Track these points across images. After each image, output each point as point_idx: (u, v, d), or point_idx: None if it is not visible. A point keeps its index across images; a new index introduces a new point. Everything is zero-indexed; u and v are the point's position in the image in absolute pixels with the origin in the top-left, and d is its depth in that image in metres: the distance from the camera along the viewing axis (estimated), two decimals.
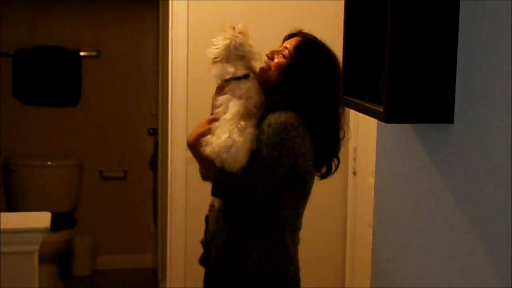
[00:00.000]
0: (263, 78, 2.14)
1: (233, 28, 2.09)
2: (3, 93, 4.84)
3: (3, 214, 2.56)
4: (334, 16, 3.30)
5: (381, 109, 1.33)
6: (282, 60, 2.14)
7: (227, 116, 2.04)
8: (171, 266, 3.54)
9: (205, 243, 2.27)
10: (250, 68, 2.13)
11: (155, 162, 4.80)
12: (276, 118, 2.06)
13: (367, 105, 1.46)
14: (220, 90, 2.13)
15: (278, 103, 2.11)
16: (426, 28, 1.27)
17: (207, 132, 2.06)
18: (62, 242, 4.55)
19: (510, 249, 1.05)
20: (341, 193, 3.54)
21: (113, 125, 5.06)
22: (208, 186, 2.14)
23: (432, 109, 1.28)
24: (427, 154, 1.41)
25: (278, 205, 2.11)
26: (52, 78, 4.91)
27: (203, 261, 2.28)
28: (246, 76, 2.10)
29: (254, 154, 2.03)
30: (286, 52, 2.15)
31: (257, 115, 2.08)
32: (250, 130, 2.03)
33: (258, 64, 2.16)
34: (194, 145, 2.08)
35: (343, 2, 1.62)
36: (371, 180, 2.99)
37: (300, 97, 2.12)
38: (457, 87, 1.27)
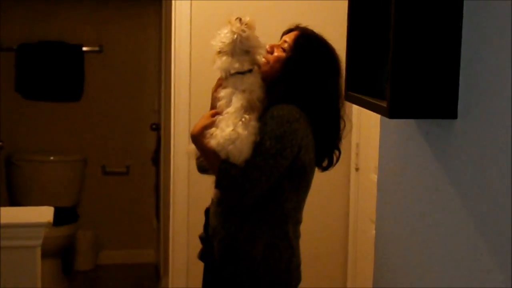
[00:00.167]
0: (263, 72, 2.15)
1: (240, 20, 2.09)
2: (5, 88, 4.84)
3: (6, 208, 2.57)
4: (337, 11, 3.30)
5: (384, 105, 1.33)
6: (282, 53, 2.17)
7: (231, 109, 2.05)
8: (173, 261, 3.55)
9: (204, 238, 2.28)
10: (255, 62, 2.13)
11: (158, 157, 4.80)
12: (278, 111, 2.08)
13: (371, 100, 1.46)
14: (221, 82, 2.13)
15: (278, 96, 2.13)
16: (430, 23, 1.26)
17: (211, 125, 2.08)
18: (64, 237, 4.56)
19: None
20: (343, 189, 3.54)
21: (115, 120, 5.06)
22: (210, 181, 2.15)
23: (435, 105, 1.28)
24: (430, 149, 1.41)
25: (280, 197, 2.13)
26: (54, 73, 4.91)
27: (203, 256, 2.29)
28: (250, 70, 2.10)
29: (258, 146, 2.05)
30: (285, 45, 2.17)
31: (259, 109, 2.09)
32: (254, 123, 2.05)
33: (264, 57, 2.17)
34: (198, 138, 2.09)
35: None
36: (374, 176, 2.99)
37: (300, 89, 2.14)
38: (460, 83, 1.27)
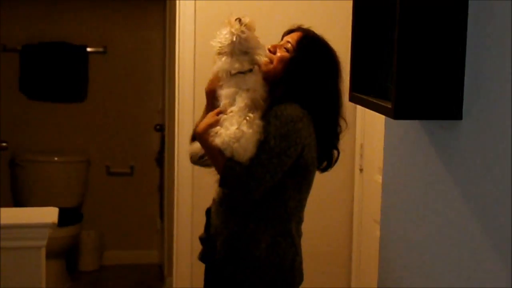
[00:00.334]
0: (266, 72, 2.16)
1: (240, 21, 2.09)
2: (10, 89, 4.85)
3: (10, 209, 2.58)
4: (337, 12, 3.29)
5: (389, 105, 1.33)
6: (285, 54, 2.18)
7: (235, 108, 2.06)
8: (177, 261, 3.55)
9: (204, 239, 2.28)
10: (255, 62, 2.13)
11: (162, 158, 4.80)
12: (282, 110, 2.09)
13: (375, 101, 1.46)
14: (216, 82, 2.12)
15: (281, 96, 2.14)
16: (435, 24, 1.26)
17: (216, 123, 2.08)
18: (69, 238, 4.56)
19: None
20: (347, 190, 3.54)
21: (119, 121, 5.07)
22: (214, 182, 2.15)
23: (440, 106, 1.28)
24: (435, 150, 1.41)
25: (283, 196, 2.14)
26: (59, 74, 4.92)
27: (204, 256, 2.29)
28: (250, 70, 2.11)
29: (262, 145, 2.06)
30: (289, 45, 2.19)
31: (263, 107, 2.10)
32: (258, 122, 2.06)
33: (263, 57, 2.17)
34: (203, 136, 2.10)
35: None
36: (378, 177, 2.99)
37: (302, 89, 2.16)
38: (465, 84, 1.27)
